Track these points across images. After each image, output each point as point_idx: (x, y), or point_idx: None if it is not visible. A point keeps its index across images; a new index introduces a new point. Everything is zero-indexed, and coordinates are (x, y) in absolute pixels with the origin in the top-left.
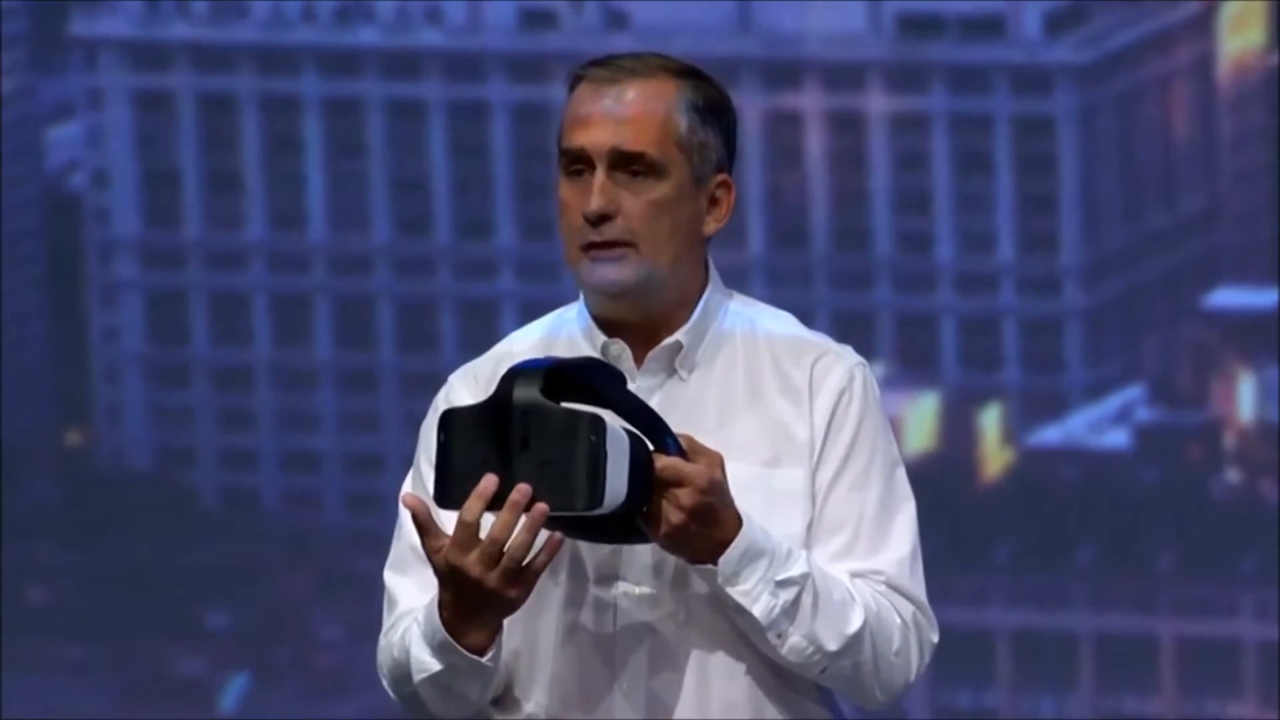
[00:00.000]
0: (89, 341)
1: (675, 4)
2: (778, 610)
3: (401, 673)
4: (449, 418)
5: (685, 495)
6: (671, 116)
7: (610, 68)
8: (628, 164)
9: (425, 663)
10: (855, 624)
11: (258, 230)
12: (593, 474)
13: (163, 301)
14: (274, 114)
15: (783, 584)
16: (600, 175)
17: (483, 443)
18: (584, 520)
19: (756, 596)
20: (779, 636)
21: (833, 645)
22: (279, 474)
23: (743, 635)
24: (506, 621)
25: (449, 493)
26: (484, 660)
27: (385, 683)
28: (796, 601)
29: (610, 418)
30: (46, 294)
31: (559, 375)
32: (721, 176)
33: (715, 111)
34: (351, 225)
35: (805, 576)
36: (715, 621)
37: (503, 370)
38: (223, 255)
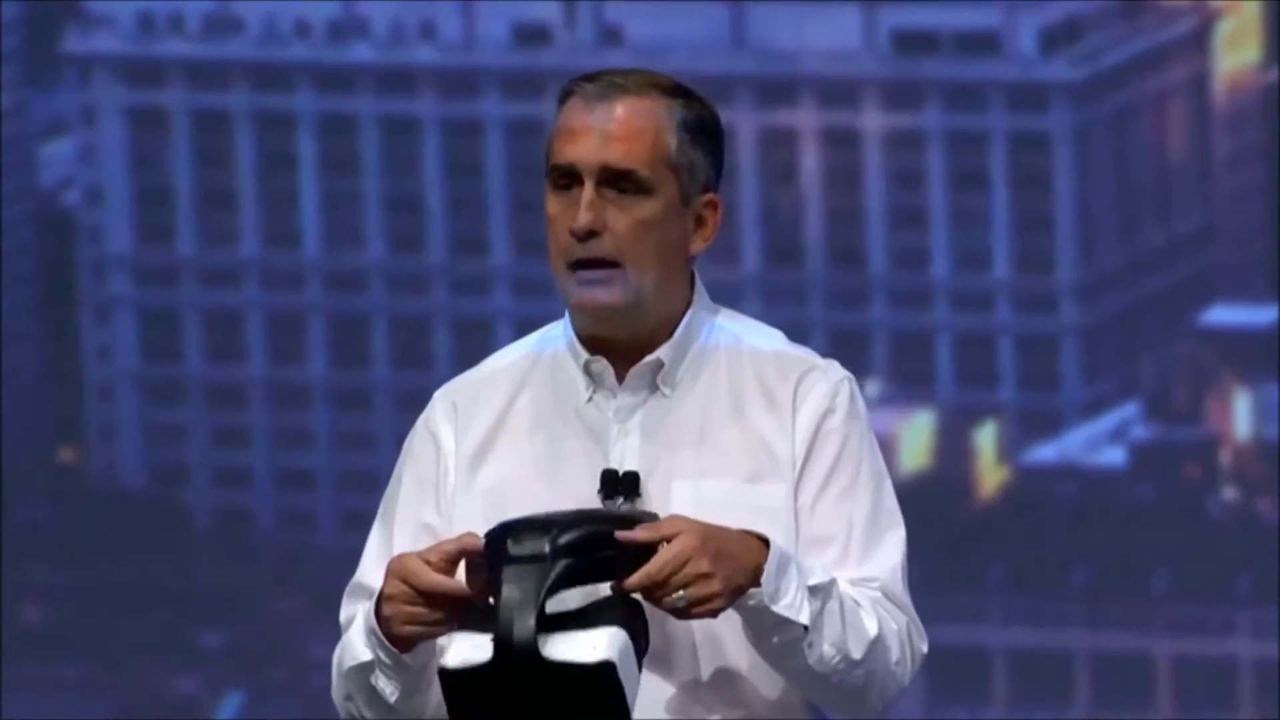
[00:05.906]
0: (82, 359)
1: (669, 21)
2: (812, 617)
3: (341, 670)
4: (449, 678)
5: (695, 565)
6: (662, 135)
7: (601, 83)
8: (616, 181)
9: (357, 651)
10: (873, 629)
11: (252, 247)
12: (619, 708)
13: (156, 319)
14: (268, 130)
15: (813, 590)
16: (589, 191)
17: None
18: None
19: (799, 607)
20: (810, 646)
21: (857, 653)
22: (273, 492)
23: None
24: None
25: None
26: (403, 656)
27: (336, 694)
28: (824, 609)
29: (611, 637)
30: (39, 311)
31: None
32: (708, 196)
33: (705, 131)
34: (346, 242)
35: (832, 583)
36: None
37: (484, 393)
38: (216, 272)
